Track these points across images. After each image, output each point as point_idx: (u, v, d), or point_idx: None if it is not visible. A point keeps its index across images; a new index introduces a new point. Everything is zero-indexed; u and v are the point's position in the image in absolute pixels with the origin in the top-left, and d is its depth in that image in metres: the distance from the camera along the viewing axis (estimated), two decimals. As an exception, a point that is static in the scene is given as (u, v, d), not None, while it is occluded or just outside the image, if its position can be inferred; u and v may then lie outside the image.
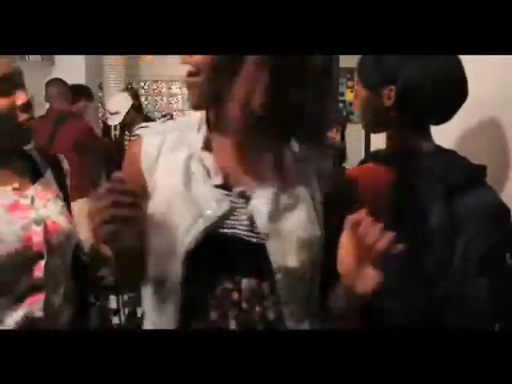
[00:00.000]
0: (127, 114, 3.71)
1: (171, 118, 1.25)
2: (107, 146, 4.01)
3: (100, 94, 5.05)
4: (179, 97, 6.39)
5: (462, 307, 0.99)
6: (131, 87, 5.34)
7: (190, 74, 0.91)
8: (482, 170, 1.07)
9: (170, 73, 6.09)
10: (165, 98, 6.36)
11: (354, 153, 2.98)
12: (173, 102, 6.39)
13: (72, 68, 4.18)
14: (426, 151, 1.08)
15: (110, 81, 5.00)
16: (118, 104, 3.78)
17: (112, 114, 3.77)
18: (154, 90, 6.33)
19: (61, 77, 3.74)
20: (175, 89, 6.36)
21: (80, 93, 3.74)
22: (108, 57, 4.95)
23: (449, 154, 1.10)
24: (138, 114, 3.84)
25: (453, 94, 1.08)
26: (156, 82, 6.29)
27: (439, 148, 1.12)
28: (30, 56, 3.61)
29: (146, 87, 6.26)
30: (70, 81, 3.61)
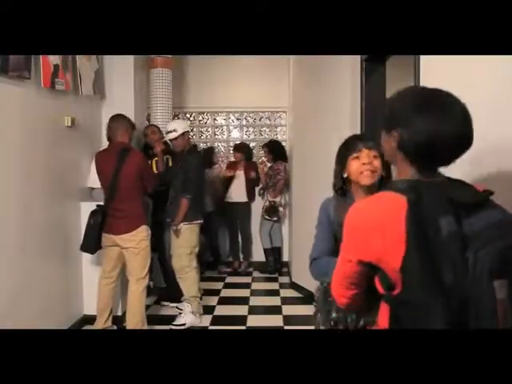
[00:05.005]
0: (182, 134, 4.12)
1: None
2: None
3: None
4: (224, 128, 6.59)
5: (479, 310, 1.04)
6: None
7: None
8: (488, 193, 1.16)
9: (215, 104, 6.33)
10: (210, 129, 6.58)
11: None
12: (218, 133, 6.60)
13: (121, 101, 4.45)
14: (434, 180, 1.19)
15: (158, 113, 5.25)
16: (176, 124, 4.25)
17: (169, 132, 4.18)
18: (200, 121, 6.56)
19: (111, 110, 4.01)
20: (220, 120, 6.57)
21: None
22: (155, 90, 5.22)
23: (457, 181, 1.21)
24: (188, 141, 4.25)
25: (452, 147, 1.17)
26: (202, 113, 6.53)
27: (448, 178, 1.23)
28: (82, 90, 3.88)
29: (191, 118, 6.50)
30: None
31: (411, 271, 1.07)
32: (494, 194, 1.16)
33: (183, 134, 4.14)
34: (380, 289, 1.19)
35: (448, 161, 1.20)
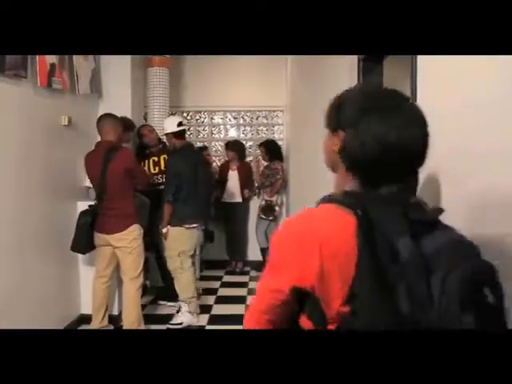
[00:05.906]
0: (166, 134, 4.14)
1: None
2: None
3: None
4: (221, 127, 6.58)
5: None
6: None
7: None
8: (439, 211, 1.04)
9: (212, 103, 6.33)
10: (207, 128, 6.57)
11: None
12: (215, 132, 6.59)
13: (118, 100, 4.45)
14: (382, 192, 1.03)
15: (155, 112, 5.24)
16: (164, 122, 4.29)
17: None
18: (197, 120, 6.56)
19: (108, 109, 4.00)
20: (217, 119, 6.57)
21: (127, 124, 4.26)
22: (152, 88, 5.22)
23: (405, 192, 1.05)
24: (179, 139, 4.14)
25: (404, 161, 1.02)
26: (199, 112, 6.52)
27: (397, 188, 1.05)
28: (79, 89, 3.87)
29: (188, 117, 6.50)
30: (117, 112, 3.84)
31: (362, 299, 0.91)
32: (443, 212, 1.03)
33: (167, 133, 4.11)
34: (309, 326, 1.01)
35: (396, 174, 1.02)
